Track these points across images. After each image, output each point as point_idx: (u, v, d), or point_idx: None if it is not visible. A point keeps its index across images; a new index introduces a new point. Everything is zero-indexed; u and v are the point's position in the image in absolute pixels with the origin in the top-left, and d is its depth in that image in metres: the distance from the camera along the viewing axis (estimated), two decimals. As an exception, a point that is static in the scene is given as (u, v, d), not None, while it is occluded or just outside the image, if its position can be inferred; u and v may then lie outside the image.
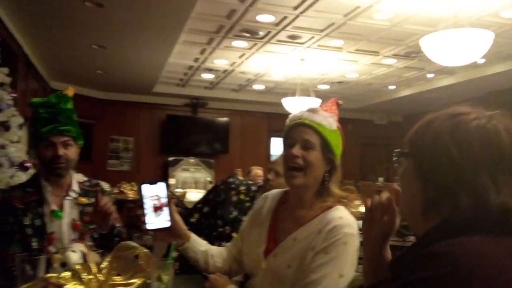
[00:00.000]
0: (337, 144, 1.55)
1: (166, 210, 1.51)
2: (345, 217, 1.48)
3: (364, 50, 6.35)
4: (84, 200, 2.09)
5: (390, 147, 11.24)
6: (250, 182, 3.22)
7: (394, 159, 1.04)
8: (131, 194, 7.88)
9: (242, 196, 2.92)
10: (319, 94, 7.86)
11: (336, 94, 8.87)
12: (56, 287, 1.22)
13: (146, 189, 1.49)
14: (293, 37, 5.87)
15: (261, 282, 1.53)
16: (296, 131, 1.54)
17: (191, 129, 10.07)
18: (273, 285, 1.49)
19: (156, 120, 10.13)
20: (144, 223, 1.50)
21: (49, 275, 1.27)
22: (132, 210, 7.40)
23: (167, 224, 1.52)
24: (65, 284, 1.22)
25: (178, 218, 1.60)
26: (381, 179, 9.78)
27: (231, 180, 3.03)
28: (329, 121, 1.55)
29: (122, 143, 9.97)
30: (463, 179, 0.86)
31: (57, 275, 1.24)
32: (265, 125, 10.67)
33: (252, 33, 5.77)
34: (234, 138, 10.40)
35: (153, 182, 1.50)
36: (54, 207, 2.03)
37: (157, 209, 1.48)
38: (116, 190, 7.90)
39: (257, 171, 6.86)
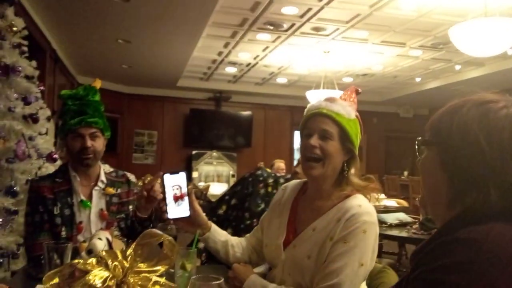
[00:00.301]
0: (355, 134, 1.52)
1: (186, 200, 1.52)
2: (364, 205, 1.46)
3: (390, 41, 6.25)
4: (111, 190, 2.13)
5: (415, 141, 11.08)
6: (278, 174, 3.20)
7: (416, 147, 1.01)
8: (155, 187, 7.99)
9: (269, 189, 2.91)
10: (343, 87, 7.75)
11: (361, 86, 8.74)
12: (82, 272, 1.24)
13: (168, 179, 1.50)
14: (317, 29, 5.82)
15: (281, 273, 1.53)
16: (314, 121, 1.52)
17: (214, 123, 10.12)
18: (293, 276, 1.49)
19: (180, 114, 10.22)
20: (165, 212, 1.52)
21: (75, 261, 1.29)
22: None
23: (187, 213, 1.53)
24: (91, 270, 1.24)
25: (198, 208, 1.60)
26: (406, 173, 9.66)
27: (259, 172, 3.03)
28: (347, 110, 1.52)
29: (146, 136, 10.11)
30: (492, 170, 0.83)
31: (83, 261, 1.26)
32: (288, 119, 10.64)
33: (276, 26, 5.75)
34: (257, 131, 10.42)
35: (174, 172, 1.51)
36: (82, 197, 2.07)
37: (178, 198, 1.50)
38: (140, 183, 8.01)
39: (280, 164, 6.87)
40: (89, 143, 2.05)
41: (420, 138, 0.98)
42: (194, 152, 10.00)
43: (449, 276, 0.75)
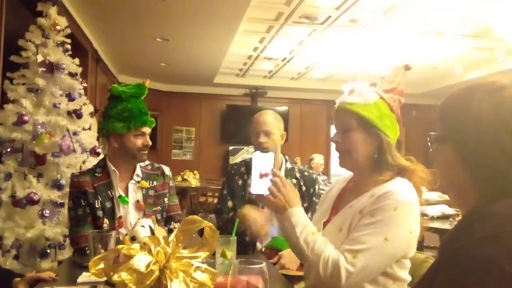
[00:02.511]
0: (378, 116, 1.52)
1: (270, 178, 1.55)
2: (401, 186, 1.46)
3: (429, 31, 6.08)
4: (146, 184, 2.19)
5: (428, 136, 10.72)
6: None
7: (429, 143, 0.97)
8: (194, 182, 8.12)
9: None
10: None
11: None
12: (126, 257, 1.27)
13: (257, 156, 1.54)
14: (354, 20, 5.74)
15: None
16: (336, 117, 1.58)
17: (251, 118, 10.12)
18: None
19: (216, 110, 10.32)
20: (249, 186, 1.58)
21: (120, 246, 1.34)
22: (195, 197, 7.62)
23: (267, 191, 1.55)
24: (134, 255, 1.27)
25: None
26: (447, 166, 9.39)
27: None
28: (365, 96, 1.53)
29: (185, 133, 10.28)
30: None
31: (127, 247, 1.30)
32: (324, 113, 10.54)
33: (311, 19, 5.70)
34: (293, 126, 10.37)
35: (264, 151, 1.60)
36: (120, 192, 2.14)
37: (263, 176, 1.52)
38: (179, 178, 8.16)
39: (319, 159, 6.83)
40: (150, 141, 2.18)
41: (432, 133, 0.95)
42: (231, 147, 10.08)
43: (482, 249, 0.74)
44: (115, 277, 1.20)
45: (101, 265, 1.32)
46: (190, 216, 1.38)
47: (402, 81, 1.63)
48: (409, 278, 1.53)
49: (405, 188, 1.46)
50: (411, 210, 1.43)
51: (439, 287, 0.81)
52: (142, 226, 1.60)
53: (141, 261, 1.23)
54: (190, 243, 1.38)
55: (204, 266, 1.31)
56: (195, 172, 8.52)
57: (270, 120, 2.51)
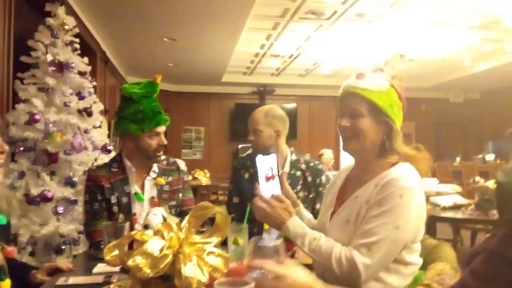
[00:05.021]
0: (389, 104, 1.50)
1: (277, 180, 1.57)
2: (405, 172, 1.46)
3: (436, 23, 6.05)
4: (161, 181, 2.20)
5: (467, 126, 10.67)
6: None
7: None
8: (204, 181, 8.15)
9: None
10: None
11: (408, 72, 8.56)
12: (140, 243, 1.29)
13: (260, 160, 1.56)
14: (360, 15, 5.73)
15: None
16: (344, 101, 1.54)
17: (260, 116, 10.15)
18: (336, 242, 1.51)
19: (225, 109, 10.35)
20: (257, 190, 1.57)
21: (133, 232, 1.35)
22: (206, 195, 7.65)
23: (279, 192, 1.57)
24: (148, 240, 1.29)
25: (288, 187, 1.70)
26: (458, 159, 9.33)
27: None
28: (377, 83, 1.50)
29: (194, 132, 10.33)
30: None
31: (141, 232, 1.31)
32: (333, 109, 10.53)
33: (317, 14, 5.70)
34: (302, 123, 10.38)
35: (266, 153, 1.59)
36: (136, 188, 2.15)
37: (269, 179, 1.55)
38: (190, 177, 8.19)
39: (329, 154, 6.81)
40: (165, 140, 2.18)
41: None
42: (240, 146, 10.09)
43: None
44: (130, 262, 1.22)
45: (116, 252, 1.34)
46: (202, 202, 1.40)
47: (400, 70, 1.61)
48: (420, 261, 1.53)
49: (408, 174, 1.46)
50: (416, 195, 1.43)
51: None
52: (155, 214, 1.62)
53: (154, 245, 1.24)
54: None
55: (217, 250, 1.32)
56: (205, 170, 8.55)
57: (259, 118, 2.46)
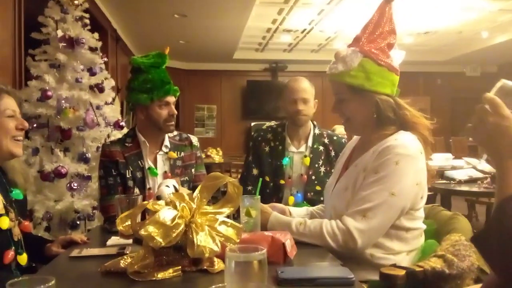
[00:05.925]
0: (366, 78, 1.51)
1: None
2: (401, 139, 1.47)
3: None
4: (174, 155, 2.20)
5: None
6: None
7: None
8: (217, 159, 8.19)
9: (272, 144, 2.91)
10: (403, 47, 7.45)
11: (423, 45, 8.39)
12: (152, 213, 1.28)
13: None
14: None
15: (329, 208, 1.64)
16: (331, 87, 1.60)
17: (271, 93, 10.08)
18: (335, 209, 1.55)
19: (237, 86, 10.31)
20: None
21: (145, 202, 1.35)
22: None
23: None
24: (160, 210, 1.28)
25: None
26: (475, 134, 9.19)
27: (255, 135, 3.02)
28: (348, 62, 1.52)
29: (206, 111, 10.33)
30: None
31: (153, 202, 1.31)
32: (346, 85, 10.42)
33: (330, -14, 5.58)
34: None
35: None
36: (150, 163, 2.15)
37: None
38: (203, 155, 8.23)
39: (342, 129, 6.77)
40: (175, 110, 2.17)
41: None
42: (253, 123, 10.07)
43: None
44: (142, 232, 1.21)
45: (128, 222, 1.34)
46: (213, 172, 1.39)
47: (389, 18, 1.56)
48: (423, 226, 1.55)
49: (406, 141, 1.46)
50: (413, 161, 1.43)
51: None
52: (167, 186, 1.61)
53: (166, 214, 1.24)
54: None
55: (230, 221, 1.31)
56: (218, 149, 8.56)
57: (307, 87, 2.48)
